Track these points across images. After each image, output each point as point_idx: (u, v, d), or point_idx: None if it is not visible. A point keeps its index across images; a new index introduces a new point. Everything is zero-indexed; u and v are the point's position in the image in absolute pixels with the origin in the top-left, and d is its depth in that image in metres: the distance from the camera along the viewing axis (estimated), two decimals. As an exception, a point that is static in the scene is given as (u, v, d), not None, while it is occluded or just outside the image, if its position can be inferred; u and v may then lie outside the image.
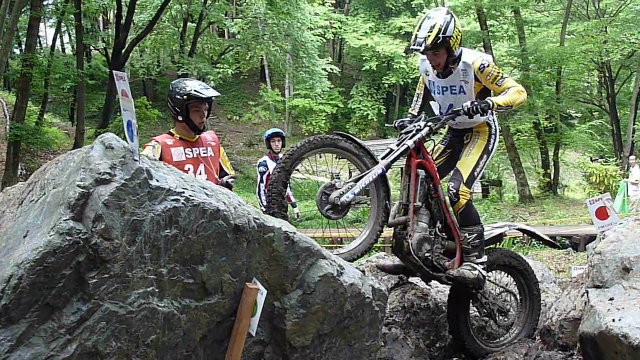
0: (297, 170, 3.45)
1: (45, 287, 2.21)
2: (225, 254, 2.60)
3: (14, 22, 15.01)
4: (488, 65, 3.84)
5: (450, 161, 4.14)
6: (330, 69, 29.60)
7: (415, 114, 4.18)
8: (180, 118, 3.87)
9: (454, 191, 3.87)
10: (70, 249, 2.23)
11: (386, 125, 14.19)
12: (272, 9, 22.24)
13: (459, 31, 3.79)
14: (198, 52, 24.67)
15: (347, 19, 34.55)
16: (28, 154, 17.57)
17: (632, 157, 15.86)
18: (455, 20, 3.77)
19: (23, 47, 20.74)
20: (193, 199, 2.51)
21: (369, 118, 33.14)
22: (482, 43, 20.09)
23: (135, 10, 22.12)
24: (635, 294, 3.21)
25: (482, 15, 20.00)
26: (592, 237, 7.74)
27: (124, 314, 2.34)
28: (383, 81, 33.62)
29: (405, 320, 4.14)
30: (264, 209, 5.76)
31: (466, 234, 3.91)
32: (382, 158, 3.61)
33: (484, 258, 3.96)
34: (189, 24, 24.45)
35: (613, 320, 3.10)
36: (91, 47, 27.53)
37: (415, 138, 3.73)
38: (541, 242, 8.69)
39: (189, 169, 3.83)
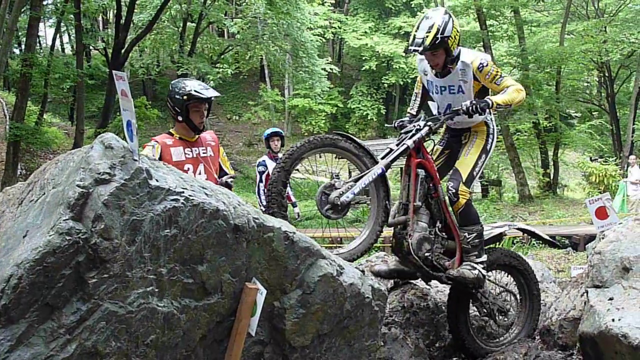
0: (297, 170, 3.45)
1: (45, 287, 2.21)
2: (225, 253, 2.60)
3: (14, 22, 14.99)
4: (487, 65, 3.84)
5: (449, 162, 4.14)
6: (330, 68, 29.59)
7: (414, 113, 4.18)
8: (180, 118, 3.87)
9: (454, 191, 3.87)
10: (70, 248, 2.23)
11: (386, 125, 14.20)
12: (272, 8, 22.22)
13: (458, 31, 3.79)
14: (198, 52, 24.65)
15: (346, 18, 34.54)
16: (28, 154, 17.56)
17: (632, 156, 15.85)
18: (453, 21, 3.77)
19: (23, 47, 20.77)
20: (193, 199, 2.51)
21: (369, 118, 33.13)
22: (481, 43, 20.09)
23: (135, 10, 22.09)
24: (635, 294, 3.21)
25: (481, 15, 20.00)
26: (591, 237, 7.73)
27: (124, 313, 2.34)
28: (383, 81, 33.61)
29: (404, 320, 4.14)
30: (264, 209, 5.76)
31: (466, 234, 3.91)
32: (382, 158, 3.61)
33: (484, 257, 3.97)
34: (188, 23, 24.43)
35: (613, 320, 3.10)
36: (91, 47, 27.51)
37: (415, 138, 3.73)
38: (541, 242, 8.74)
39: (188, 168, 3.83)
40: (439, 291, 4.66)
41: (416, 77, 4.32)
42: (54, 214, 2.31)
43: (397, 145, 3.71)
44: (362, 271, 3.16)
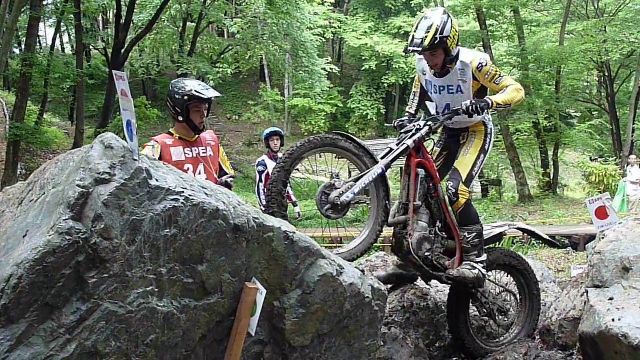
0: (297, 169, 3.45)
1: (45, 286, 2.21)
2: (225, 253, 2.60)
3: (14, 22, 14.99)
4: (486, 64, 3.84)
5: (447, 163, 4.14)
6: (330, 68, 29.59)
7: (413, 112, 4.19)
8: (180, 118, 3.87)
9: (453, 190, 3.87)
10: (70, 248, 2.23)
11: (386, 124, 14.19)
12: (272, 8, 22.22)
13: (456, 31, 3.80)
14: (198, 52, 24.66)
15: (346, 18, 34.53)
16: (28, 154, 17.56)
17: (632, 156, 15.83)
18: (452, 21, 3.77)
19: (23, 47, 20.75)
20: (193, 199, 2.51)
21: (369, 118, 33.13)
22: (481, 43, 20.09)
23: (135, 10, 22.09)
24: (635, 294, 3.21)
25: (481, 15, 20.00)
26: (591, 237, 7.74)
27: (124, 313, 2.34)
28: (382, 81, 33.61)
29: (404, 320, 4.14)
30: (263, 209, 5.76)
31: (466, 234, 3.91)
32: (382, 158, 3.61)
33: (484, 257, 3.97)
34: (188, 23, 24.43)
35: (613, 320, 3.10)
36: (91, 47, 27.51)
37: (415, 137, 3.73)
38: (541, 242, 8.73)
39: (188, 168, 3.83)
40: (439, 291, 4.66)
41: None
42: (54, 214, 2.31)
43: (397, 145, 3.71)
44: (362, 271, 3.16)
